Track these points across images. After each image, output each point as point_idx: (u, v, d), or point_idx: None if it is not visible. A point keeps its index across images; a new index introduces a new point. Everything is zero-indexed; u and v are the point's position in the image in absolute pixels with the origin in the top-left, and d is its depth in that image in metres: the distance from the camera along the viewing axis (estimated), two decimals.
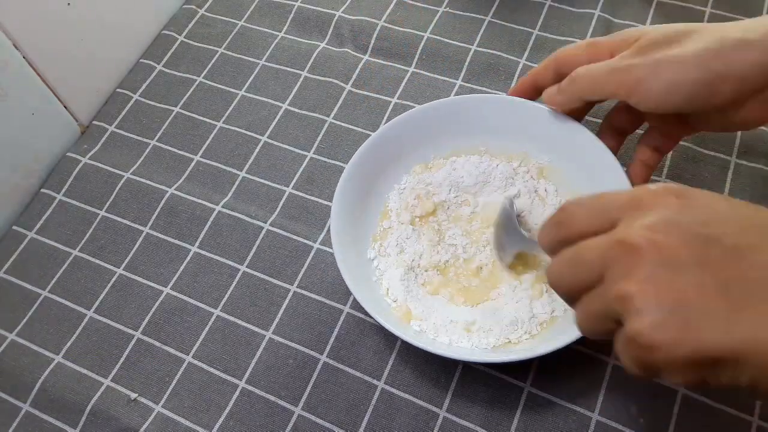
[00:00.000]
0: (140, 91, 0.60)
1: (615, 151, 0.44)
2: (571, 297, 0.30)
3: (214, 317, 0.47)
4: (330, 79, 0.58)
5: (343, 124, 0.55)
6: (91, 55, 0.58)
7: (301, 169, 0.53)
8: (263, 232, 0.50)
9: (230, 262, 0.49)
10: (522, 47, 0.58)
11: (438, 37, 0.59)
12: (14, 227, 0.53)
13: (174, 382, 0.45)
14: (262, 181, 0.53)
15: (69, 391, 0.45)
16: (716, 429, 0.40)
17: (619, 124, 0.45)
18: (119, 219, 0.53)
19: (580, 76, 0.41)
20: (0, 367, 0.47)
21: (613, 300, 0.27)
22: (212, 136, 0.56)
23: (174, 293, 0.49)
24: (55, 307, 0.49)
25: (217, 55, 0.61)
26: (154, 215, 0.52)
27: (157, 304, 0.48)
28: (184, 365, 0.46)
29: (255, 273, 0.49)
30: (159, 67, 0.61)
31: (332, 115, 0.56)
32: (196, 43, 0.62)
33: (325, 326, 0.46)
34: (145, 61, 0.62)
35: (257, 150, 0.55)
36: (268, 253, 0.49)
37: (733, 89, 0.36)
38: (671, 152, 0.49)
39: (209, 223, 0.51)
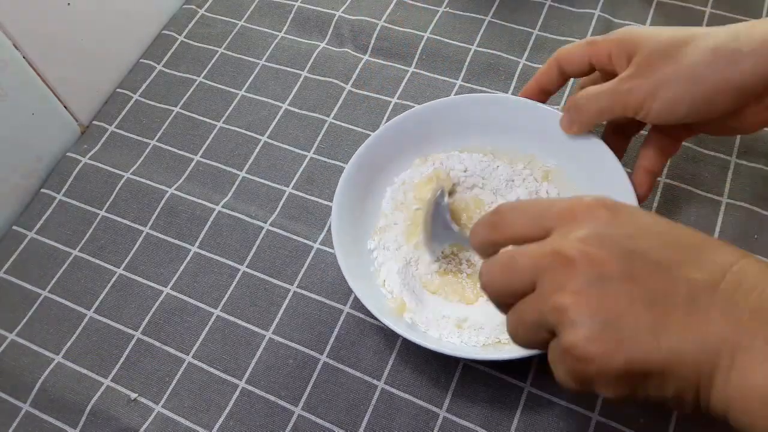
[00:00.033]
0: (140, 91, 0.60)
1: (621, 153, 0.45)
2: (502, 302, 0.31)
3: (214, 317, 0.47)
4: (330, 79, 0.58)
5: (343, 124, 0.55)
6: (91, 55, 0.58)
7: (301, 169, 0.53)
8: (263, 232, 0.50)
9: (230, 262, 0.49)
10: (522, 47, 0.58)
11: (438, 37, 0.59)
12: (14, 227, 0.53)
13: (174, 382, 0.45)
14: (262, 181, 0.53)
15: (69, 391, 0.45)
16: (716, 429, 0.40)
17: (623, 126, 0.46)
18: (119, 219, 0.53)
19: (585, 105, 0.42)
20: (0, 367, 0.47)
21: (548, 311, 0.27)
22: (212, 136, 0.56)
23: (174, 293, 0.49)
24: (55, 307, 0.49)
25: (217, 55, 0.61)
26: (154, 215, 0.52)
27: (157, 304, 0.48)
28: (184, 365, 0.46)
29: (255, 273, 0.49)
30: (159, 67, 0.61)
31: (332, 115, 0.56)
32: (196, 43, 0.62)
33: (325, 326, 0.46)
34: (145, 61, 0.62)
35: (257, 150, 0.55)
36: (268, 253, 0.49)
37: (731, 100, 0.37)
38: None
39: (209, 223, 0.51)
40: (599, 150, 0.44)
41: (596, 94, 0.41)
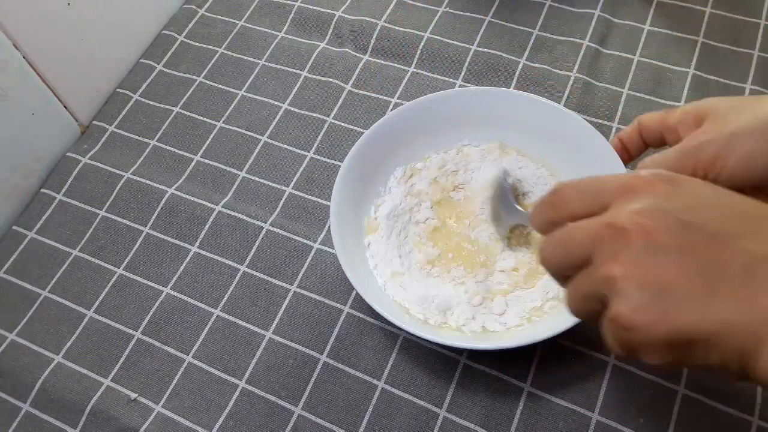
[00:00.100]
0: (140, 91, 0.60)
1: None
2: (562, 276, 0.31)
3: (214, 317, 0.47)
4: (330, 79, 0.58)
5: (343, 124, 0.55)
6: (91, 55, 0.58)
7: (301, 169, 0.53)
8: (263, 232, 0.50)
9: (230, 262, 0.49)
10: (522, 47, 0.58)
11: (438, 37, 0.59)
12: (14, 227, 0.53)
13: (174, 382, 0.45)
14: (262, 181, 0.53)
15: (69, 391, 0.45)
16: (716, 429, 0.40)
17: None
18: (119, 219, 0.53)
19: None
20: (0, 367, 0.47)
21: (599, 281, 0.28)
22: (212, 136, 0.56)
23: (174, 293, 0.49)
24: (55, 307, 0.49)
25: (217, 55, 0.61)
26: (154, 215, 0.52)
27: (157, 304, 0.48)
28: (184, 365, 0.46)
29: (255, 273, 0.49)
30: (159, 67, 0.61)
31: (332, 115, 0.56)
32: (196, 43, 0.62)
33: (325, 326, 0.46)
34: (145, 61, 0.62)
35: (257, 150, 0.55)
36: (268, 253, 0.49)
37: None
38: None
39: (209, 223, 0.51)
40: (610, 157, 0.44)
41: (662, 156, 0.38)
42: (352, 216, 0.47)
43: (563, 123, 0.47)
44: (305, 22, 0.62)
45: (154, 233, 0.52)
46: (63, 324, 0.48)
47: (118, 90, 0.60)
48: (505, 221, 0.46)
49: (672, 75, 0.55)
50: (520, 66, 0.56)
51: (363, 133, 0.49)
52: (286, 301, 0.47)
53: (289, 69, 0.59)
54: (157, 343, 0.47)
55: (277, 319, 0.47)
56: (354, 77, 0.58)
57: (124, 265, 0.50)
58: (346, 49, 0.60)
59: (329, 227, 0.47)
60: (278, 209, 0.52)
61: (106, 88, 0.60)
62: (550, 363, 0.43)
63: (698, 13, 0.58)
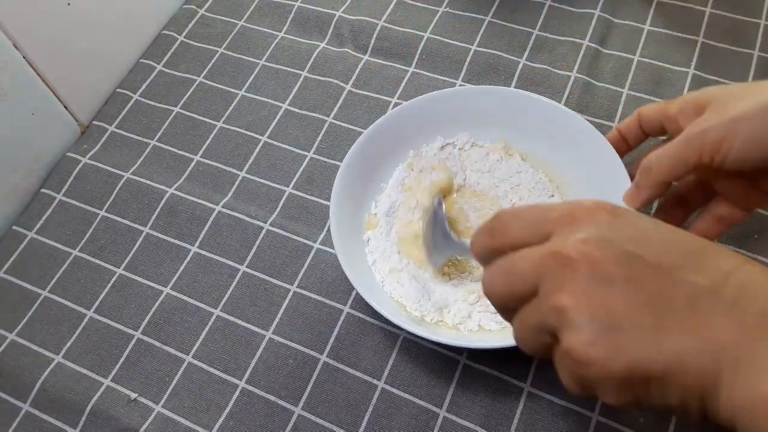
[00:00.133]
0: (140, 91, 0.60)
1: (679, 225, 0.40)
2: (506, 308, 0.30)
3: (214, 317, 0.47)
4: (330, 79, 0.58)
5: (343, 124, 0.55)
6: (91, 55, 0.58)
7: (301, 169, 0.53)
8: (263, 232, 0.50)
9: (230, 262, 0.49)
10: (522, 47, 0.58)
11: (438, 37, 0.59)
12: (14, 227, 0.53)
13: (174, 382, 0.45)
14: (262, 181, 0.53)
15: (69, 391, 0.45)
16: (716, 429, 0.40)
17: (686, 198, 0.43)
18: (119, 219, 0.53)
19: (656, 163, 0.38)
20: (0, 367, 0.47)
21: (548, 311, 0.27)
22: (212, 136, 0.56)
23: (174, 293, 0.49)
24: (55, 307, 0.49)
25: (217, 55, 0.61)
26: (154, 215, 0.52)
27: (157, 304, 0.48)
28: (184, 365, 0.46)
29: (255, 273, 0.49)
30: (159, 67, 0.61)
31: (332, 115, 0.56)
32: (196, 43, 0.62)
33: (325, 326, 0.46)
34: (145, 61, 0.62)
35: (257, 150, 0.55)
36: (268, 253, 0.49)
37: None
38: None
39: (209, 223, 0.51)
40: (614, 163, 0.44)
41: (666, 147, 0.37)
42: (352, 214, 0.47)
43: (564, 123, 0.48)
44: (305, 22, 0.62)
45: (154, 233, 0.52)
46: (63, 324, 0.48)
47: (118, 90, 0.60)
48: (441, 252, 0.43)
49: (672, 75, 0.55)
50: (520, 66, 0.56)
51: (363, 133, 0.49)
52: (286, 301, 0.47)
53: (289, 69, 0.59)
54: (157, 343, 0.47)
55: (277, 319, 0.47)
56: (354, 77, 0.58)
57: (124, 265, 0.50)
58: (346, 49, 0.60)
59: (329, 227, 0.47)
60: (278, 209, 0.52)
61: (106, 88, 0.60)
62: (550, 363, 0.43)
63: (698, 13, 0.58)
